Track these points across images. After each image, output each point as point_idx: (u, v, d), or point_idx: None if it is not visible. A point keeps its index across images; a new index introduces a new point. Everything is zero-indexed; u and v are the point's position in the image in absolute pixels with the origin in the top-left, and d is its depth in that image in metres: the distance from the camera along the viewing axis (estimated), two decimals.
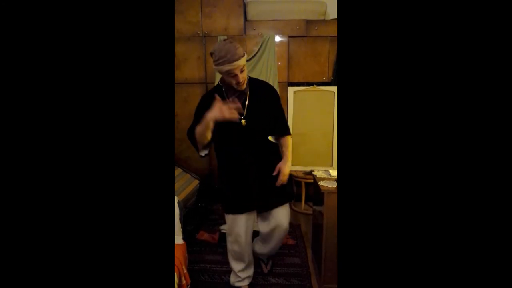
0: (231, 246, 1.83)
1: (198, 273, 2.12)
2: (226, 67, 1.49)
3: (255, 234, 1.96)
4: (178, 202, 1.85)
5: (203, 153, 1.71)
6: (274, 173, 1.67)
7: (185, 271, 1.70)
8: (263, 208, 1.76)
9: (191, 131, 1.66)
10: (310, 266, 2.23)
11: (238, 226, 1.74)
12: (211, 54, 1.56)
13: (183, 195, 2.62)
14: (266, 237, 1.87)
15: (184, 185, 2.82)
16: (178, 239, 1.79)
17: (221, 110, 1.44)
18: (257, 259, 2.03)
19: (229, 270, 2.11)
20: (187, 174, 3.00)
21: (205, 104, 1.60)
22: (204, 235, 2.64)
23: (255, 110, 1.65)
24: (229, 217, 1.77)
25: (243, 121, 1.62)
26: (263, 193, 1.69)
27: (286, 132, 1.76)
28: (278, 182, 1.66)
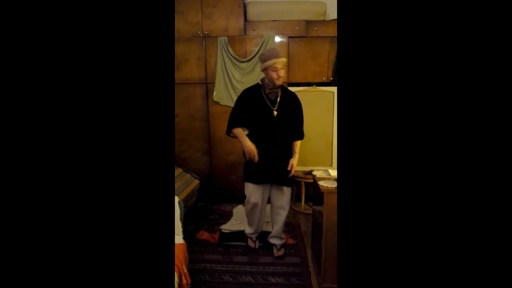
0: (247, 212, 2.36)
1: (199, 273, 2.13)
2: (272, 61, 2.01)
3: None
4: (179, 202, 1.85)
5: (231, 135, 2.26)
6: (288, 168, 2.17)
7: (185, 271, 1.70)
8: (274, 182, 2.25)
9: (232, 124, 2.19)
10: (310, 265, 2.23)
11: (253, 195, 2.24)
12: (260, 56, 2.12)
13: (183, 195, 2.63)
14: (273, 215, 2.37)
15: (184, 185, 2.82)
16: (179, 239, 1.79)
17: (250, 154, 2.12)
18: (271, 245, 2.43)
19: (229, 270, 2.18)
20: (187, 174, 3.01)
21: (242, 101, 2.19)
22: (204, 235, 2.64)
23: (284, 107, 2.15)
24: (248, 186, 2.26)
25: (275, 112, 2.13)
26: (276, 171, 2.18)
27: (300, 137, 2.25)
28: (291, 173, 2.19)
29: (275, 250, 2.37)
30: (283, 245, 2.41)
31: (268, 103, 2.14)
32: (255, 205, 2.28)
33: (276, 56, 2.03)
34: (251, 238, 2.47)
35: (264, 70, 2.08)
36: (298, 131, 2.23)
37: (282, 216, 2.32)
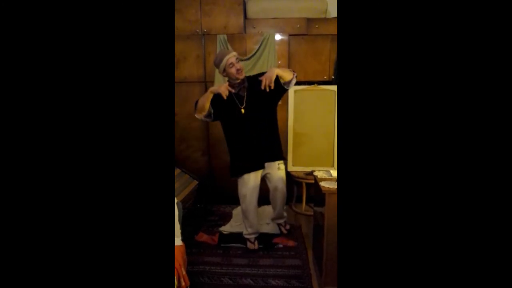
0: (241, 205, 2.44)
1: (198, 275, 2.10)
2: (225, 59, 2.12)
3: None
4: (177, 203, 1.81)
5: (199, 117, 2.31)
6: (262, 83, 2.08)
7: (184, 273, 1.67)
8: (266, 161, 2.33)
9: (196, 102, 2.27)
10: (311, 267, 2.20)
11: (245, 187, 2.33)
12: (214, 62, 2.23)
13: (182, 196, 2.59)
14: (271, 197, 2.51)
15: (183, 185, 2.78)
16: (177, 241, 1.76)
17: (219, 88, 2.09)
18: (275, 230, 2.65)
19: (228, 272, 2.15)
20: (186, 175, 2.97)
21: (216, 104, 2.22)
22: (203, 237, 2.61)
23: (252, 99, 2.22)
24: (239, 181, 2.37)
25: (242, 110, 2.21)
26: (262, 156, 2.30)
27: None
28: (262, 85, 2.07)
29: (281, 228, 2.62)
30: (287, 223, 2.67)
31: (237, 102, 2.23)
32: (245, 195, 2.35)
33: (225, 54, 2.16)
34: (249, 239, 2.45)
35: (224, 72, 2.20)
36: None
37: (279, 197, 2.46)
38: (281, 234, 2.61)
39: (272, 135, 2.34)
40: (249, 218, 2.42)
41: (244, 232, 2.47)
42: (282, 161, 2.43)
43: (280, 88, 2.21)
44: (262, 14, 3.08)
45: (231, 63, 2.14)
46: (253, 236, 2.45)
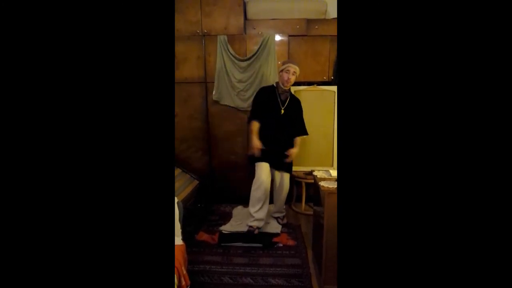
0: (253, 191, 2.61)
1: (198, 274, 2.11)
2: (287, 65, 2.50)
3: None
4: (178, 203, 1.83)
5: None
6: (288, 153, 2.63)
7: (184, 272, 1.68)
8: (276, 167, 2.71)
9: (253, 116, 2.64)
10: (311, 267, 2.22)
11: (263, 172, 2.59)
12: (282, 62, 2.64)
13: (183, 195, 2.60)
14: (275, 195, 2.82)
15: (184, 185, 2.80)
16: (178, 240, 1.77)
17: (254, 149, 2.57)
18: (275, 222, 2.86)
19: (228, 271, 2.15)
20: (187, 175, 2.98)
21: (260, 97, 2.65)
22: (203, 236, 2.62)
23: (290, 108, 2.62)
24: (257, 167, 2.63)
25: (282, 110, 2.59)
26: (279, 158, 2.64)
27: (304, 133, 2.74)
28: (288, 159, 2.66)
29: (279, 221, 2.87)
30: (285, 217, 2.94)
31: (280, 102, 2.58)
32: (262, 182, 2.57)
33: (292, 63, 2.52)
34: (251, 226, 2.58)
35: (280, 72, 2.55)
36: (301, 129, 2.72)
37: (282, 195, 2.79)
38: (280, 234, 2.62)
39: (289, 144, 2.66)
40: (261, 199, 2.56)
41: (250, 221, 2.58)
42: None
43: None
44: (262, 15, 3.10)
45: (287, 70, 2.48)
46: (256, 223, 2.58)
